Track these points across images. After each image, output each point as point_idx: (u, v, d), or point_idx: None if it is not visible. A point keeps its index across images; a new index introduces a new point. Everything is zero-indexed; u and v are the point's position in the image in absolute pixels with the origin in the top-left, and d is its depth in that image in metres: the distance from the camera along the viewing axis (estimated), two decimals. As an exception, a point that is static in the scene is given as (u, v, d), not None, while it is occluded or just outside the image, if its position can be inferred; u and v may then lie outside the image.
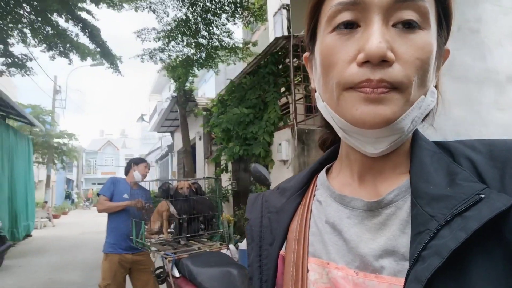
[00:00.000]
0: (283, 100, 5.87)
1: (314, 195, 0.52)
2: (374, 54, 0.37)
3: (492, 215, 0.34)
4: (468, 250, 0.35)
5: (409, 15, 0.39)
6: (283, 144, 5.09)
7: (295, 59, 5.31)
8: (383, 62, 0.38)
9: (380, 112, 0.38)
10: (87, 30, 8.55)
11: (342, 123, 0.42)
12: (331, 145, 0.58)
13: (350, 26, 0.41)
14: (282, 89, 5.81)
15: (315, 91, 0.49)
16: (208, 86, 15.46)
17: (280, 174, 5.31)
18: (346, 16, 0.40)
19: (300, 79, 5.40)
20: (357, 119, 0.39)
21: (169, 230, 3.03)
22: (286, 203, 0.53)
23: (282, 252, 0.50)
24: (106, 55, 8.98)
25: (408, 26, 0.39)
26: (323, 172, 0.54)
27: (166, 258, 2.58)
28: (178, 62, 7.83)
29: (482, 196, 0.36)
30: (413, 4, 0.39)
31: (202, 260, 2.46)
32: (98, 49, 8.88)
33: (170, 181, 3.10)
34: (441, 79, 0.48)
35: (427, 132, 0.49)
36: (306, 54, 0.52)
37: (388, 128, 0.39)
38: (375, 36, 0.38)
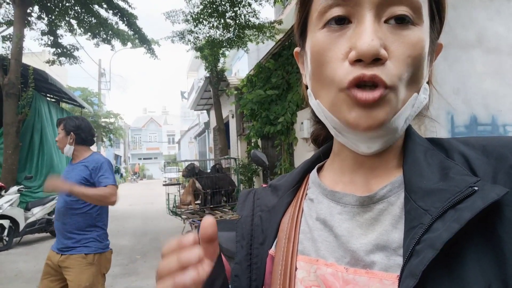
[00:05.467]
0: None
1: (306, 194, 0.51)
2: (367, 52, 0.36)
3: (486, 205, 0.33)
4: (462, 243, 0.34)
5: (402, 10, 0.38)
6: (305, 123, 5.40)
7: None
8: (376, 60, 0.36)
9: (374, 116, 0.37)
10: (125, 18, 9.21)
11: (335, 123, 0.41)
12: (323, 141, 0.58)
13: (341, 22, 0.39)
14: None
15: (307, 88, 0.48)
16: (242, 64, 15.80)
17: (303, 151, 5.67)
18: (337, 12, 0.39)
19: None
20: (351, 123, 0.39)
21: (196, 202, 3.59)
22: (278, 202, 0.52)
23: (271, 251, 0.49)
24: (143, 41, 9.64)
25: (401, 21, 0.38)
26: (314, 170, 0.53)
27: (193, 224, 3.15)
28: (205, 44, 8.06)
29: (476, 188, 0.36)
30: None
31: (222, 225, 2.94)
32: (136, 35, 9.56)
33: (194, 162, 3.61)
34: (434, 72, 0.48)
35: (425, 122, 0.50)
36: (297, 49, 0.51)
37: (382, 128, 0.38)
38: (367, 33, 0.36)
